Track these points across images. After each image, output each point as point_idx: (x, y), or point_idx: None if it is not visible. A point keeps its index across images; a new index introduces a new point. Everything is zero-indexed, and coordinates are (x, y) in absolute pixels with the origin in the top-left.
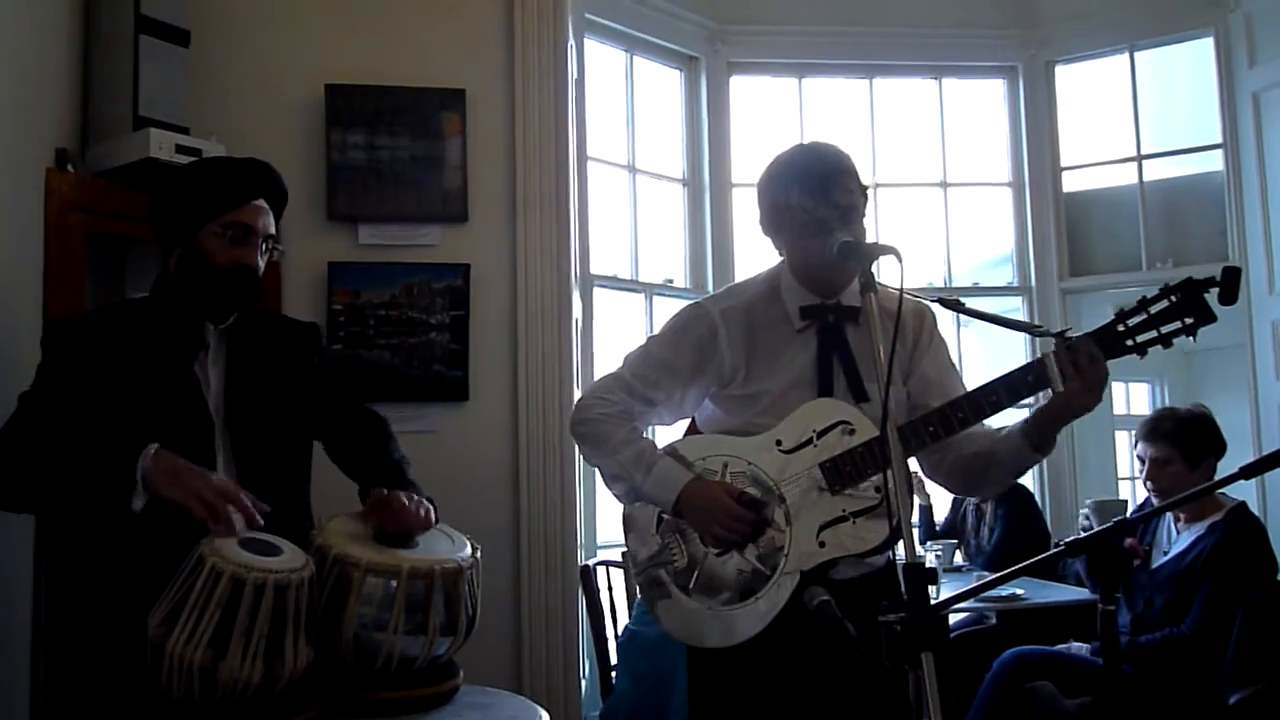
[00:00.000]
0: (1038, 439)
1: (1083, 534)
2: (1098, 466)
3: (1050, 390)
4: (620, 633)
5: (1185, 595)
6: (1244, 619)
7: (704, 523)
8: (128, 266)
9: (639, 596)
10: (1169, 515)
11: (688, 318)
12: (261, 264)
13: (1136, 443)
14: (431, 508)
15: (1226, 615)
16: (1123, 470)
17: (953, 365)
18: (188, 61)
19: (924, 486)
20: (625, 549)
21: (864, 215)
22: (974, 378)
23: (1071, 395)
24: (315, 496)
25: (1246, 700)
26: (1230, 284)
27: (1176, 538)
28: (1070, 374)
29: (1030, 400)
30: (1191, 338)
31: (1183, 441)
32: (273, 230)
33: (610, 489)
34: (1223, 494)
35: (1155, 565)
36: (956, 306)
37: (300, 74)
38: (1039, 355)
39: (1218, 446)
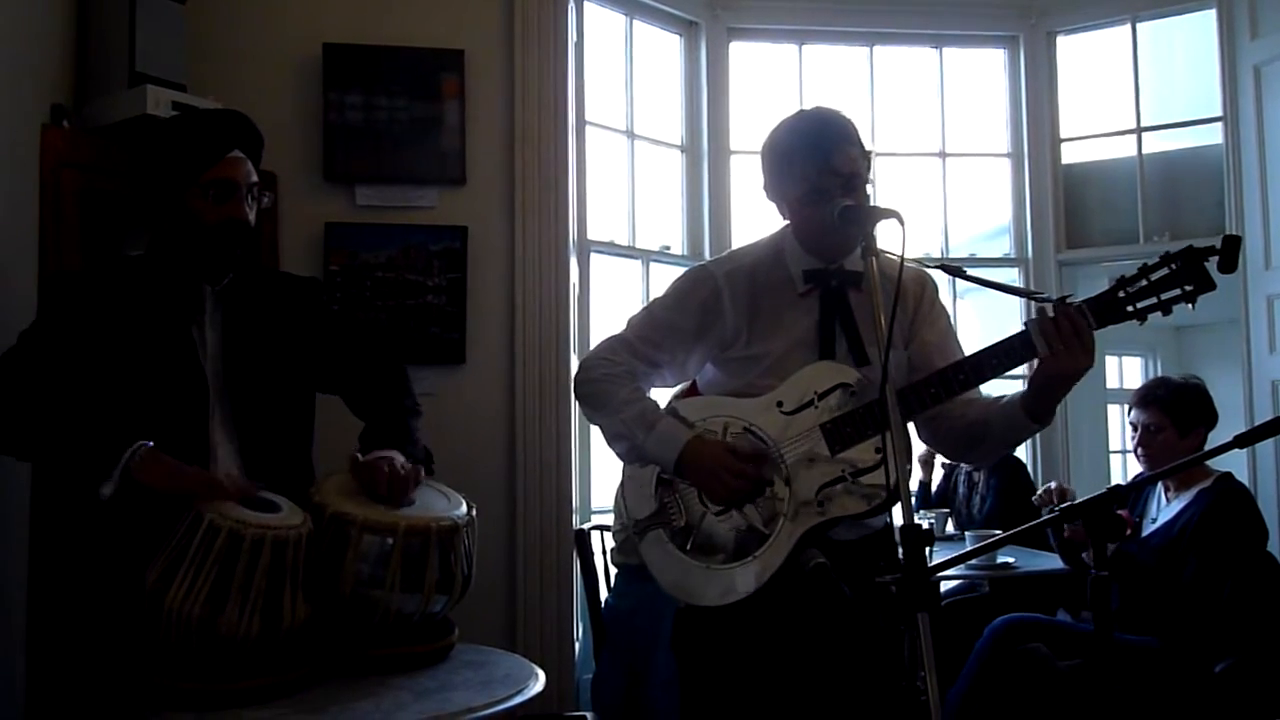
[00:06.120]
0: (1035, 408)
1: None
2: (1089, 439)
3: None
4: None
5: (1174, 563)
6: (1231, 588)
7: (705, 481)
8: (122, 224)
9: (615, 571)
10: (1159, 486)
11: (692, 280)
12: (251, 214)
13: (1130, 409)
14: (411, 464)
15: (1214, 584)
16: (1114, 444)
17: (953, 332)
18: (185, 18)
19: (933, 461)
20: (617, 509)
21: (868, 180)
22: (969, 349)
23: (1060, 358)
24: (323, 454)
25: (1231, 668)
26: (1230, 252)
27: (1165, 506)
28: (1054, 339)
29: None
30: (1191, 305)
31: (1174, 409)
32: (255, 178)
33: (612, 448)
34: (1210, 463)
35: (1145, 534)
36: (959, 273)
37: (298, 33)
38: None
39: (1209, 417)
